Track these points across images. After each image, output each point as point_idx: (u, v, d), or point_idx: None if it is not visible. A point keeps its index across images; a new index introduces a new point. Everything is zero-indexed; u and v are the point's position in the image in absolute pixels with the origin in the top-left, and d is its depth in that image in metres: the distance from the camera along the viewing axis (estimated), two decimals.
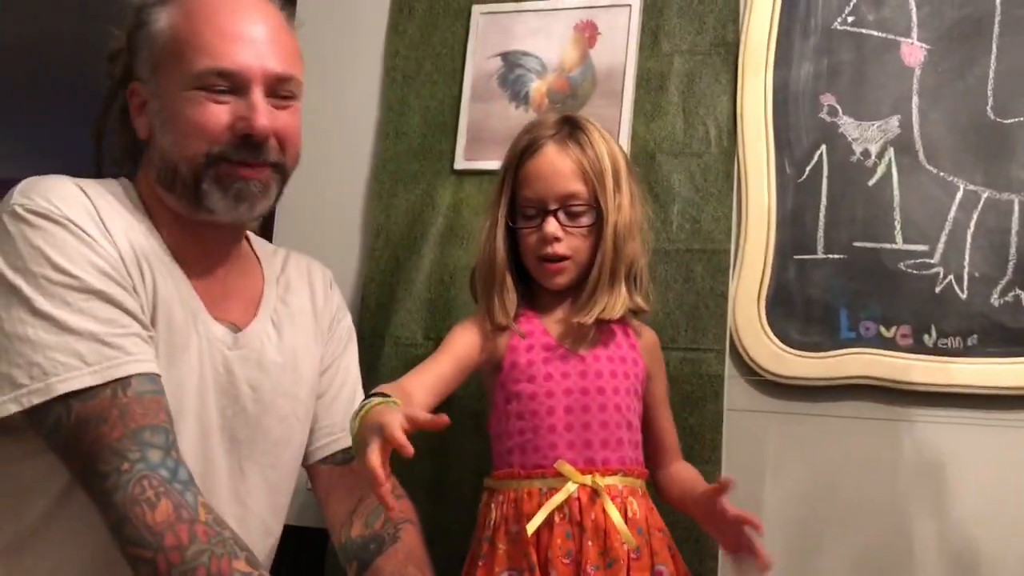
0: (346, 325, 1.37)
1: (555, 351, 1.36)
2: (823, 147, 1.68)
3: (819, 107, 1.69)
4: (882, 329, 1.60)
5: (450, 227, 1.83)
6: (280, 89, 1.12)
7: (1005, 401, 1.52)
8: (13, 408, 0.94)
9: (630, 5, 1.79)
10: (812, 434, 1.62)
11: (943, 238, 1.59)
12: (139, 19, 1.13)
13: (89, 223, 1.02)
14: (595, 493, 1.27)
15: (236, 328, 1.16)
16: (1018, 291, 1.54)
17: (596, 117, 1.81)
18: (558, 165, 1.35)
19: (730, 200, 1.70)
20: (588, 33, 1.82)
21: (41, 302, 0.96)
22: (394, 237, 1.86)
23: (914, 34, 1.66)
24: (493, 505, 1.31)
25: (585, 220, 1.36)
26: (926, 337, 1.57)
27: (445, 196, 1.84)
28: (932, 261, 1.59)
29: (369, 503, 1.23)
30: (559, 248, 1.35)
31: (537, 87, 1.83)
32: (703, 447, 1.60)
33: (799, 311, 1.65)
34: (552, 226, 1.34)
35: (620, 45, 1.79)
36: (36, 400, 0.94)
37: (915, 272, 1.60)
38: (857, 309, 1.62)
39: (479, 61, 1.87)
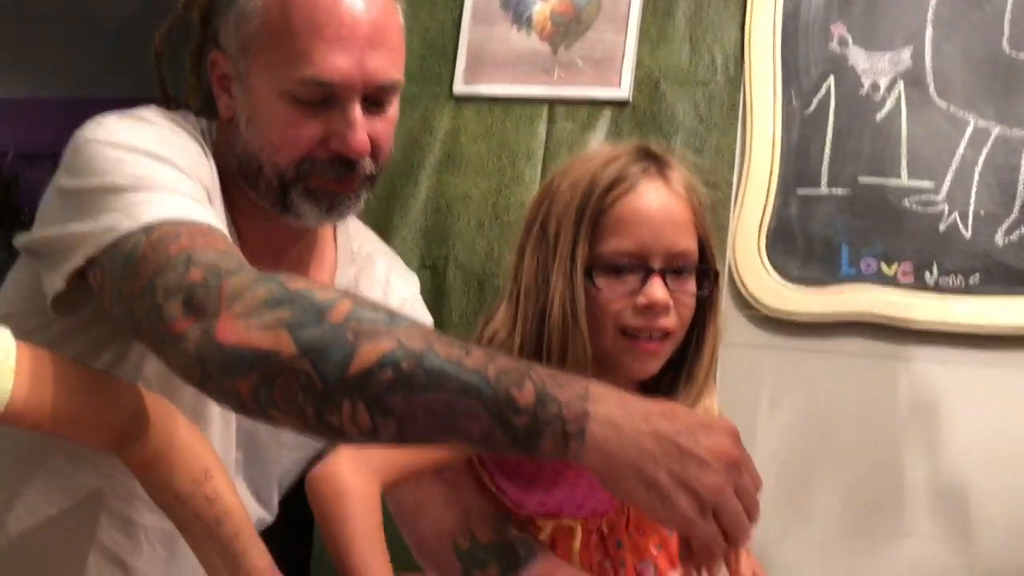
0: None
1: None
2: (831, 78, 1.64)
3: (829, 37, 1.64)
4: (883, 266, 1.58)
5: (448, 154, 1.79)
6: (380, 97, 0.98)
7: (1004, 341, 1.51)
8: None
9: None
10: (809, 370, 1.61)
11: (950, 175, 1.56)
12: None
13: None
14: None
15: None
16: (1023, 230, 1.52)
17: (600, 43, 1.75)
18: (670, 208, 1.00)
19: (734, 131, 1.67)
20: None
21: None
22: (390, 163, 1.81)
23: None
24: None
25: (692, 286, 1.02)
26: (927, 275, 1.56)
27: (443, 122, 1.80)
28: (937, 198, 1.57)
29: (481, 512, 1.10)
30: (667, 322, 0.98)
31: (540, 10, 1.77)
32: None
33: (800, 246, 1.63)
34: (660, 291, 0.97)
35: None
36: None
37: (919, 209, 1.57)
38: (859, 245, 1.60)
39: None
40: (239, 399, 0.71)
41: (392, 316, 0.71)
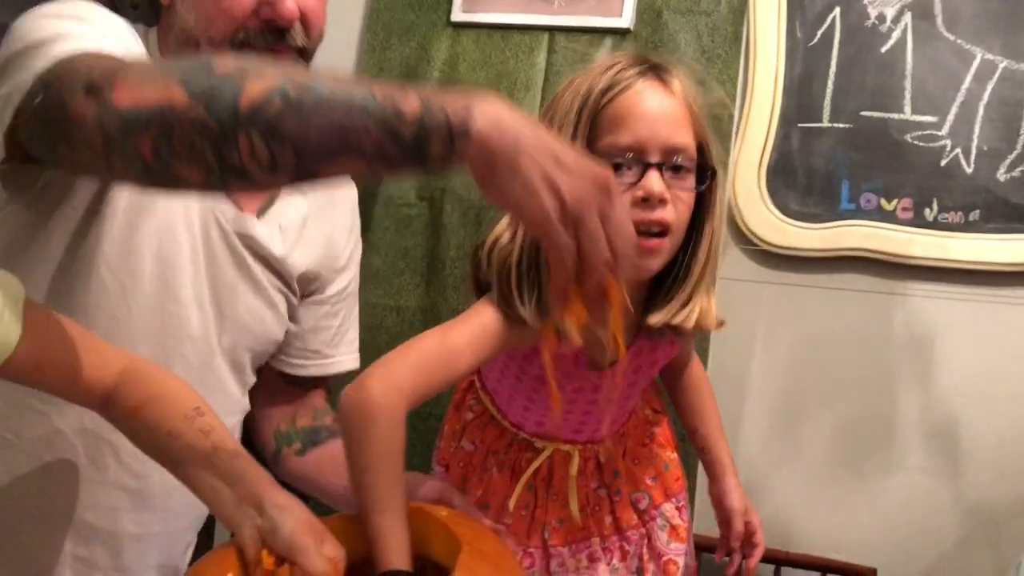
0: (358, 256, 1.25)
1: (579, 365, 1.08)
2: (837, 9, 1.61)
3: None
4: (883, 202, 1.58)
5: (446, 83, 1.76)
6: None
7: (1001, 277, 1.52)
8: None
9: None
10: (806, 305, 1.61)
11: (954, 110, 1.54)
12: None
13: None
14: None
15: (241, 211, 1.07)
16: None
17: None
18: (665, 106, 1.01)
19: (737, 63, 1.64)
20: None
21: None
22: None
23: None
24: None
25: (690, 183, 1.02)
26: (927, 211, 1.55)
27: (441, 50, 1.76)
28: (940, 133, 1.55)
29: (310, 410, 1.21)
30: (664, 215, 0.99)
31: None
32: None
33: (800, 181, 1.61)
34: (658, 183, 0.97)
35: None
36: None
37: (922, 144, 1.56)
38: (859, 180, 1.59)
39: None
40: (143, 162, 0.72)
41: (277, 63, 0.75)
